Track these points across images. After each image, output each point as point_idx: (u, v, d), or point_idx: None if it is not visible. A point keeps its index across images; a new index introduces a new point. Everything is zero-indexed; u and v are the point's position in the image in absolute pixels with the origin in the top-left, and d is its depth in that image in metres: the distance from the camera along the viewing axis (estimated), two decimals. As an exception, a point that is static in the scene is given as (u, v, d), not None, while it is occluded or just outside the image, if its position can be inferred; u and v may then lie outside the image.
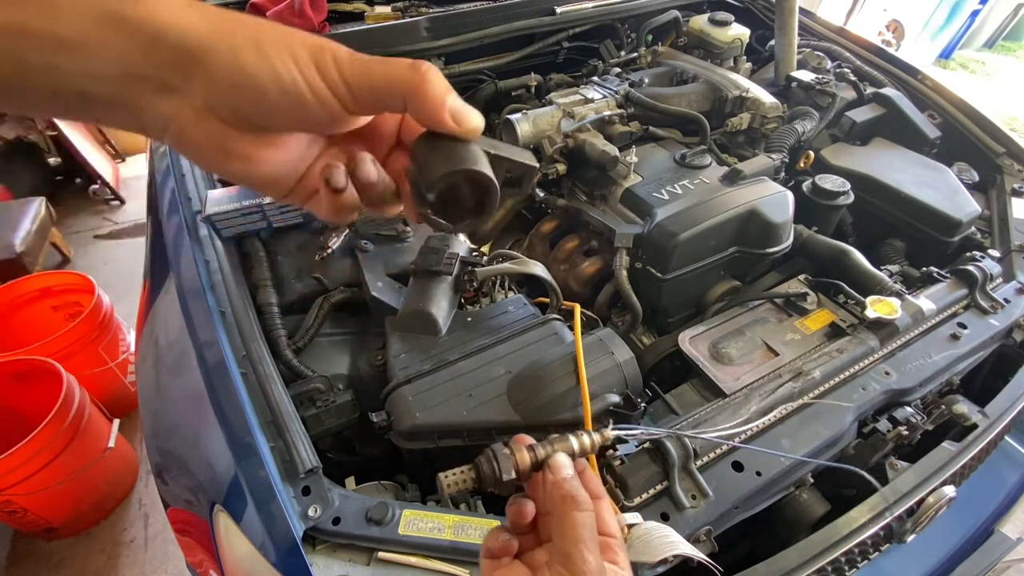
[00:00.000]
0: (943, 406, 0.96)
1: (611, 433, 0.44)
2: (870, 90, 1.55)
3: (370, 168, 0.35)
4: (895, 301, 0.98)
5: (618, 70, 1.58)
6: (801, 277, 1.12)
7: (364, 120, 0.35)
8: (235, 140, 0.31)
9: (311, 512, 0.67)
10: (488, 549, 0.41)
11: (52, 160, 3.38)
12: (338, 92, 0.31)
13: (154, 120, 0.30)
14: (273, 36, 0.30)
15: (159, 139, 0.32)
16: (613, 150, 1.22)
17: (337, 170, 0.34)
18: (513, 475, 0.39)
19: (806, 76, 1.50)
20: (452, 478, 0.40)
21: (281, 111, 0.31)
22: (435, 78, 0.31)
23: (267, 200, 1.02)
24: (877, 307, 0.97)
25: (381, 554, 0.66)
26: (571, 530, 0.37)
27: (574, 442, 0.42)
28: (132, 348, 2.16)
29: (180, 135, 0.30)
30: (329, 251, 1.03)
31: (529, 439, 0.42)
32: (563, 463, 0.40)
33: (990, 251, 1.17)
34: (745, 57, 1.72)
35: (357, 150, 0.36)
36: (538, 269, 1.02)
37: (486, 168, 0.34)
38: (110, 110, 0.29)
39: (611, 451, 0.78)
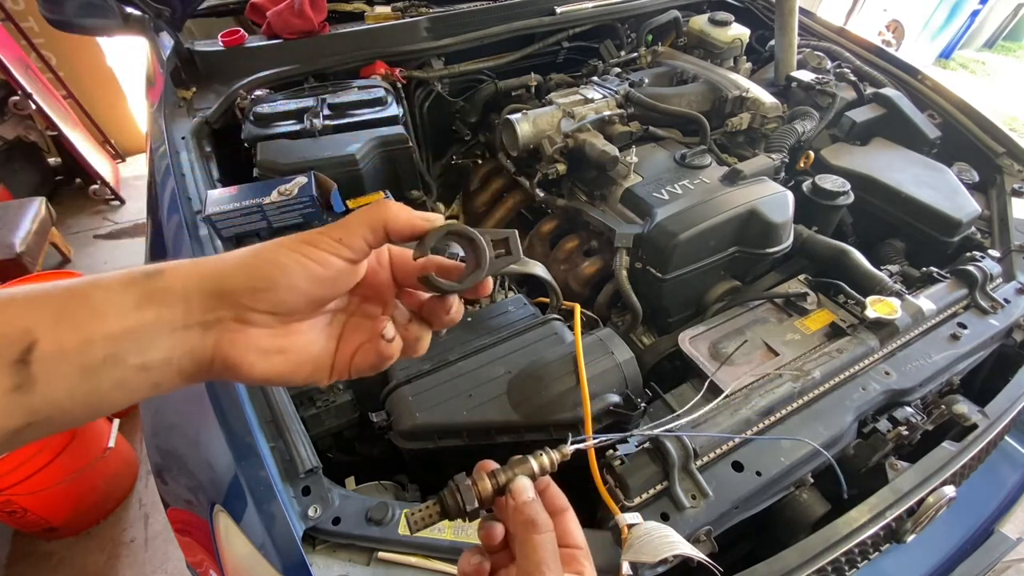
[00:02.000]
0: (943, 406, 0.96)
1: (569, 449, 0.45)
2: (870, 90, 1.55)
3: (402, 310, 0.44)
4: (895, 301, 0.98)
5: (618, 70, 1.58)
6: (801, 277, 1.12)
7: (362, 270, 0.40)
8: (269, 339, 0.37)
9: (311, 512, 0.67)
10: (462, 572, 0.42)
11: (52, 160, 3.38)
12: (339, 252, 0.37)
13: (202, 354, 0.35)
14: (266, 248, 0.36)
15: (210, 375, 0.37)
16: (613, 150, 1.22)
17: (388, 324, 0.41)
18: (476, 505, 0.41)
19: (806, 76, 1.50)
20: (418, 515, 0.41)
21: (299, 292, 0.36)
22: (394, 203, 0.39)
23: (267, 200, 1.02)
24: (877, 307, 0.97)
25: (381, 554, 0.66)
26: (532, 553, 0.39)
27: (534, 464, 0.43)
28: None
29: (224, 358, 0.36)
30: (329, 251, 1.03)
31: (492, 464, 0.44)
32: (523, 487, 0.42)
33: (990, 251, 1.17)
34: (745, 57, 1.72)
35: (373, 312, 0.43)
36: (538, 269, 1.02)
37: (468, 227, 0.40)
38: (165, 368, 0.34)
39: (611, 451, 0.79)
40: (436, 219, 0.40)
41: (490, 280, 0.42)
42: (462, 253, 0.42)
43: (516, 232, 0.42)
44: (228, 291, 0.35)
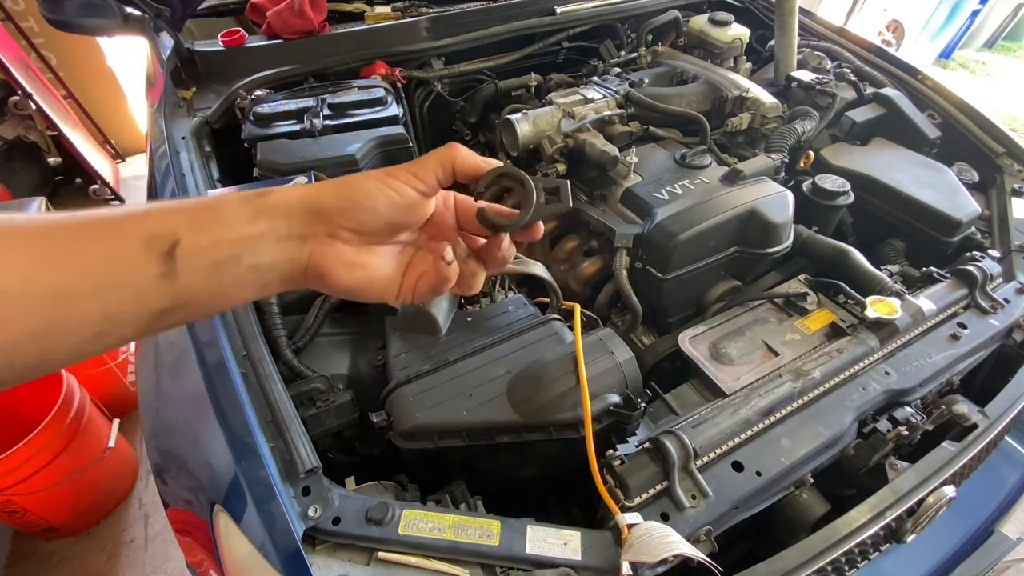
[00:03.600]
0: (943, 406, 0.96)
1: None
2: (870, 90, 1.55)
3: (462, 246, 0.50)
4: (895, 301, 0.98)
5: (618, 70, 1.58)
6: (801, 277, 1.12)
7: (432, 205, 0.46)
8: (352, 254, 0.43)
9: (311, 512, 0.67)
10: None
11: (52, 160, 3.38)
12: (414, 185, 0.43)
13: (299, 261, 0.42)
14: (356, 177, 0.43)
15: (304, 281, 0.43)
16: (613, 150, 1.22)
17: (448, 249, 0.46)
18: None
19: (806, 76, 1.50)
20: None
21: (379, 214, 0.43)
22: (462, 147, 0.45)
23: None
24: (877, 307, 0.97)
25: (381, 554, 0.66)
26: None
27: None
28: (132, 348, 2.16)
29: (316, 266, 0.42)
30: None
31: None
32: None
33: (990, 251, 1.17)
34: (745, 57, 1.72)
35: (438, 248, 0.48)
36: (538, 269, 1.02)
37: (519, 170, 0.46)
38: (271, 271, 0.41)
39: (611, 451, 0.79)
40: (496, 163, 0.46)
41: (540, 226, 0.47)
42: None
43: (567, 182, 0.46)
44: (322, 209, 0.41)
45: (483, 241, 0.50)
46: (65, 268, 0.32)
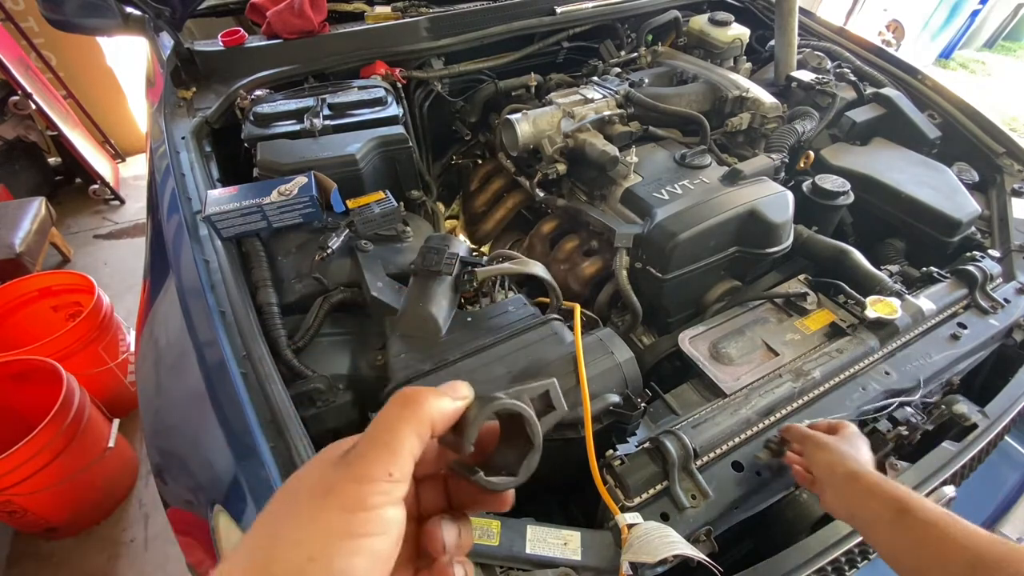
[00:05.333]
0: (943, 406, 0.96)
1: None
2: (870, 90, 1.55)
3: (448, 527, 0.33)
4: (895, 301, 0.98)
5: (618, 70, 1.58)
6: (801, 277, 1.12)
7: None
8: None
9: (311, 512, 0.67)
10: None
11: (52, 160, 3.38)
12: (393, 499, 0.28)
13: None
14: (297, 543, 0.25)
15: None
16: (613, 150, 1.22)
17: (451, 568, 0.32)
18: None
19: (806, 76, 1.50)
20: None
21: None
22: (423, 392, 0.31)
23: (267, 200, 1.02)
24: (877, 307, 0.97)
25: (381, 554, 0.65)
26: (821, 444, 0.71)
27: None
28: (132, 348, 2.17)
29: None
30: (329, 251, 1.03)
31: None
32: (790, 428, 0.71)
33: (990, 251, 1.17)
34: (745, 57, 1.72)
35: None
36: (538, 269, 1.02)
37: (505, 399, 0.34)
38: None
39: (611, 451, 0.79)
40: (468, 392, 0.33)
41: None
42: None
43: (555, 381, 0.37)
44: None
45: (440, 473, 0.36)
46: None
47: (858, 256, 1.13)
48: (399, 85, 1.49)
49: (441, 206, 1.57)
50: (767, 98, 1.41)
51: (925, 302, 1.02)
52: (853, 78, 1.57)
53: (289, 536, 0.25)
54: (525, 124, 1.31)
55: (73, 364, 1.84)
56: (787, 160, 1.31)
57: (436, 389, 0.31)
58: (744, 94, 1.42)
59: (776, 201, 1.13)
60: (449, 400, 0.31)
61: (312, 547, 0.24)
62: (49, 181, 3.36)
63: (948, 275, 1.11)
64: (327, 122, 1.24)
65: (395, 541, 0.27)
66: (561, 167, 1.32)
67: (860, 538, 0.78)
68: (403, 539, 0.29)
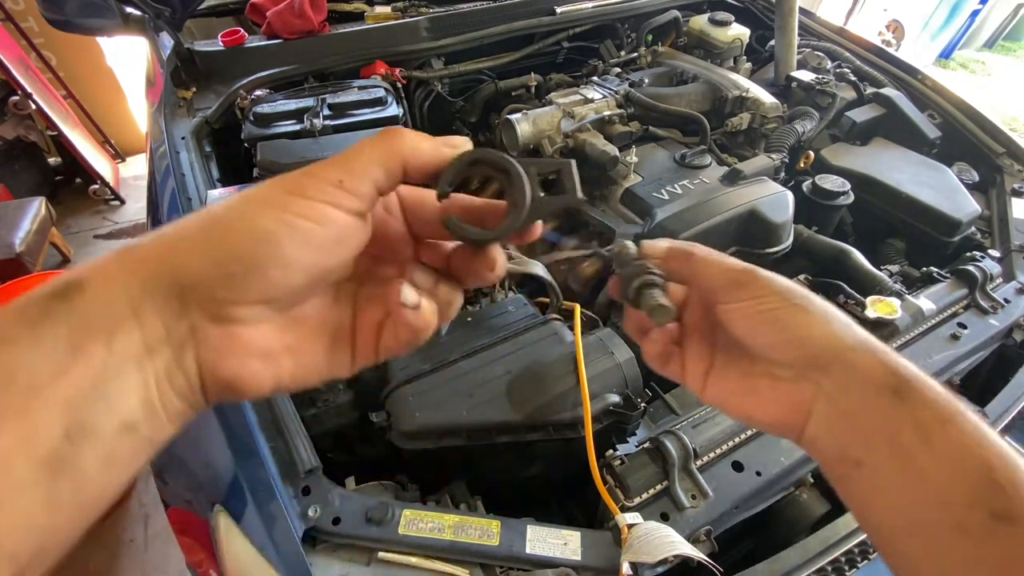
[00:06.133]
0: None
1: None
2: (870, 90, 1.55)
3: (423, 272, 0.33)
4: (895, 301, 0.98)
5: (618, 70, 1.58)
6: (801, 277, 1.12)
7: (370, 224, 0.30)
8: (268, 336, 0.28)
9: (311, 512, 0.67)
10: (651, 356, 0.42)
11: (52, 160, 3.38)
12: (341, 202, 0.27)
13: (186, 380, 0.26)
14: (235, 209, 0.26)
15: (204, 402, 0.27)
16: (613, 150, 1.22)
17: (404, 287, 0.30)
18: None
19: (806, 76, 1.50)
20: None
21: (296, 267, 0.26)
22: (409, 132, 0.29)
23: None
24: (877, 307, 0.97)
25: (381, 554, 0.66)
26: (706, 261, 0.39)
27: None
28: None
29: (216, 377, 0.26)
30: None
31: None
32: (649, 244, 0.41)
33: (990, 251, 1.17)
34: (745, 57, 1.72)
35: (389, 274, 0.33)
36: (538, 269, 1.02)
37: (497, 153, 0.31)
38: (151, 412, 0.25)
39: (611, 451, 0.79)
40: (464, 144, 0.31)
41: (539, 226, 0.32)
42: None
43: (572, 162, 0.32)
44: (191, 285, 0.24)
45: (450, 246, 0.34)
46: None
47: (858, 256, 1.13)
48: (399, 85, 1.49)
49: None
50: (767, 98, 1.41)
51: (925, 302, 1.02)
52: (853, 78, 1.57)
53: (236, 198, 0.26)
54: (525, 124, 1.31)
55: (73, 364, 1.84)
56: (787, 160, 1.31)
57: (426, 135, 0.30)
58: (744, 94, 1.42)
59: (776, 201, 1.13)
60: (432, 141, 0.30)
61: (247, 207, 0.26)
62: (49, 181, 3.36)
63: (948, 275, 1.11)
64: (327, 122, 1.24)
65: (334, 238, 0.27)
66: (561, 167, 1.32)
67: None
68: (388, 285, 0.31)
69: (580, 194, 0.32)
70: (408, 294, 0.30)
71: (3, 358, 0.21)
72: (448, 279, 0.34)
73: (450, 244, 0.34)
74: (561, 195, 0.32)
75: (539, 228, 0.32)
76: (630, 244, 0.41)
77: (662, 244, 0.40)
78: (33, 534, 0.21)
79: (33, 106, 2.86)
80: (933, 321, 1.03)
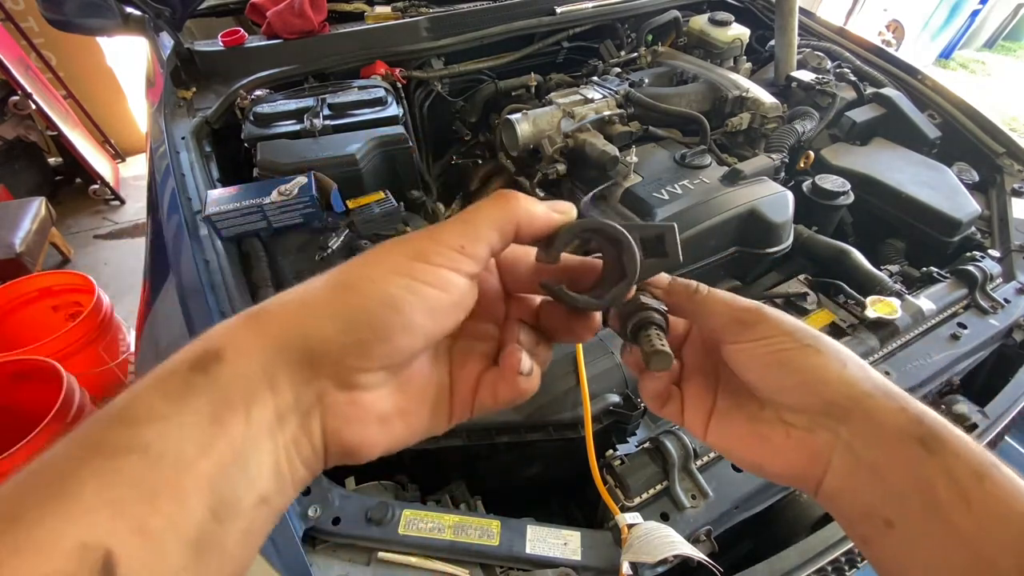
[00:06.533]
0: (943, 406, 0.96)
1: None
2: (870, 90, 1.55)
3: (527, 332, 0.34)
4: (895, 301, 0.98)
5: (618, 70, 1.58)
6: (801, 277, 1.12)
7: (476, 287, 0.31)
8: (386, 401, 0.28)
9: (311, 512, 0.67)
10: (651, 394, 0.38)
11: (52, 160, 3.38)
12: (461, 267, 0.28)
13: (311, 447, 0.26)
14: (362, 276, 0.27)
15: (321, 467, 0.27)
16: (613, 150, 1.22)
17: (523, 355, 0.32)
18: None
19: (806, 76, 1.50)
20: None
21: (419, 333, 0.27)
22: (521, 195, 0.31)
23: (267, 200, 1.02)
24: (877, 307, 0.97)
25: (381, 554, 0.66)
26: (712, 300, 0.35)
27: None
28: (132, 348, 2.16)
29: (339, 443, 0.27)
30: (329, 251, 1.03)
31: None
32: (659, 279, 0.37)
33: (990, 251, 1.17)
34: (745, 57, 1.72)
35: (483, 330, 0.34)
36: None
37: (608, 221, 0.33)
38: (281, 483, 0.25)
39: (611, 451, 0.79)
40: (570, 209, 0.32)
41: (633, 289, 0.34)
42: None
43: (674, 227, 0.33)
44: (322, 351, 0.25)
45: (538, 300, 0.35)
46: None
47: (858, 256, 1.13)
48: (399, 85, 1.49)
49: (441, 206, 1.57)
50: (767, 98, 1.41)
51: (925, 302, 1.02)
52: (853, 78, 1.57)
53: (359, 262, 0.27)
54: (525, 124, 1.31)
55: (73, 364, 1.84)
56: (787, 160, 1.31)
57: (535, 200, 0.31)
58: (744, 94, 1.42)
59: (776, 201, 1.13)
60: (543, 207, 0.31)
61: (374, 271, 0.27)
62: (49, 181, 3.36)
63: (948, 275, 1.11)
64: (327, 122, 1.24)
65: (454, 303, 0.28)
66: (561, 167, 1.32)
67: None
68: (482, 341, 0.33)
69: (681, 257, 0.33)
70: (526, 362, 0.31)
71: (151, 436, 0.21)
72: (544, 338, 0.35)
73: (538, 298, 0.35)
74: (664, 259, 0.33)
75: (633, 292, 0.35)
76: None
77: (664, 277, 0.37)
78: None
79: (33, 106, 2.86)
80: (933, 321, 1.03)
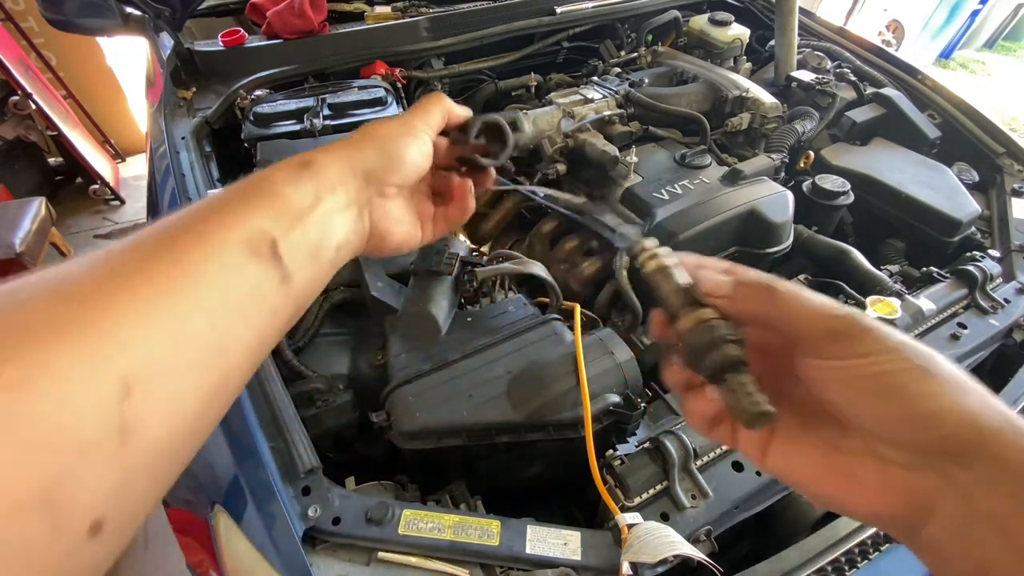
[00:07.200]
0: (943, 406, 0.96)
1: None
2: (870, 90, 1.55)
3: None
4: (895, 301, 0.98)
5: (618, 70, 1.58)
6: (801, 277, 1.12)
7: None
8: (400, 209, 0.45)
9: (311, 512, 0.67)
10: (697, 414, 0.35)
11: (52, 160, 3.38)
12: (430, 133, 0.46)
13: (363, 229, 0.41)
14: (387, 131, 0.43)
15: (364, 249, 0.43)
16: (613, 150, 1.22)
17: (469, 181, 0.52)
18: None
19: (806, 76, 1.50)
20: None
21: (417, 166, 0.44)
22: (446, 97, 0.49)
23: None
24: (877, 307, 0.97)
25: (381, 554, 0.66)
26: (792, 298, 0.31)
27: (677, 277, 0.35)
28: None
29: (378, 231, 0.42)
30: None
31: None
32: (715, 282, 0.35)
33: (990, 251, 1.17)
34: (745, 57, 1.72)
35: (426, 187, 0.52)
36: (538, 269, 1.02)
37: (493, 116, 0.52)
38: (346, 247, 0.40)
39: (611, 451, 0.79)
40: (468, 111, 0.50)
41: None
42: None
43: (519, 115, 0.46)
44: (371, 171, 0.40)
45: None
46: (207, 312, 0.27)
47: (858, 256, 1.13)
48: (399, 85, 1.49)
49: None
50: (767, 98, 1.41)
51: (925, 302, 1.02)
52: (853, 78, 1.57)
53: (372, 127, 0.43)
54: (525, 124, 1.31)
55: (73, 364, 1.84)
56: (787, 160, 1.31)
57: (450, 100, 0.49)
58: (744, 94, 1.42)
59: (776, 201, 1.13)
60: (460, 107, 0.49)
61: (386, 131, 0.43)
62: (49, 181, 3.36)
63: (948, 275, 1.11)
64: (327, 122, 1.24)
65: (427, 153, 0.45)
66: (561, 167, 1.32)
67: (860, 538, 0.78)
68: (426, 189, 0.50)
69: (530, 132, 0.48)
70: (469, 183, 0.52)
71: (286, 192, 0.34)
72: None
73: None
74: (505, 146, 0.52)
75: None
76: (679, 276, 0.34)
77: (724, 279, 0.33)
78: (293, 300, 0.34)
79: (33, 106, 2.86)
80: (933, 321, 1.03)
